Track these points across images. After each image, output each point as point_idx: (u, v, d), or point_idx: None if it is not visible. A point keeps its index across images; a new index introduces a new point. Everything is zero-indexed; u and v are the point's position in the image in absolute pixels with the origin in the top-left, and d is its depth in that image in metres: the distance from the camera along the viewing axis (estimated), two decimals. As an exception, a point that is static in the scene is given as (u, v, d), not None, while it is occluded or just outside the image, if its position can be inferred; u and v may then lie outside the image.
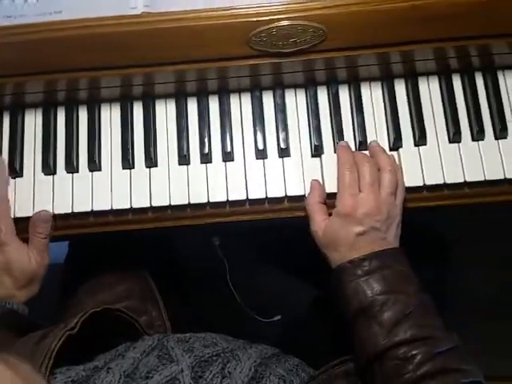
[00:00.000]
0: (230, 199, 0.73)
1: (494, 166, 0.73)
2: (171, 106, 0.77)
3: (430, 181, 0.73)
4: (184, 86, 0.76)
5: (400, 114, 0.76)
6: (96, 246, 0.87)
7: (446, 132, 0.75)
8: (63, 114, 0.77)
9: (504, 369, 1.20)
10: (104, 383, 0.53)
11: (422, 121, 0.75)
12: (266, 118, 0.76)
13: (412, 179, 0.73)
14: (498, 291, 1.25)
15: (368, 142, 0.75)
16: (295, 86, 0.77)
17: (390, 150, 0.75)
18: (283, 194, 0.74)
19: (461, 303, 0.95)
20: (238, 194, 0.74)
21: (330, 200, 0.72)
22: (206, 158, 0.75)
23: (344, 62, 0.73)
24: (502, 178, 0.72)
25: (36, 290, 0.73)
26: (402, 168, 0.73)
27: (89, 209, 0.73)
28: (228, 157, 0.75)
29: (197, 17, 0.66)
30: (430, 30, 0.69)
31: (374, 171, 0.69)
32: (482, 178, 0.72)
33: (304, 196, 0.73)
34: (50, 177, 0.74)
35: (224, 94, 0.77)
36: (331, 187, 0.73)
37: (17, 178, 0.75)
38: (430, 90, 0.76)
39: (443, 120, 0.76)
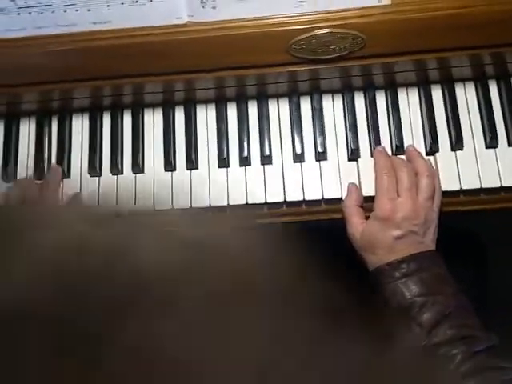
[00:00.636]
0: (268, 201, 0.76)
1: (530, 171, 0.73)
2: (211, 111, 0.80)
3: (467, 185, 0.74)
4: (224, 92, 0.78)
5: (437, 119, 0.77)
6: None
7: (482, 137, 0.76)
8: (109, 118, 0.80)
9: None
10: None
11: (459, 126, 0.76)
12: (303, 122, 0.78)
13: (449, 183, 0.74)
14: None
15: (405, 146, 0.76)
16: (332, 91, 0.79)
17: (427, 154, 0.76)
18: (320, 197, 0.75)
19: (499, 304, 0.95)
20: (276, 197, 0.76)
21: (366, 203, 0.74)
22: (244, 162, 0.77)
23: (381, 68, 0.75)
24: (539, 182, 0.73)
25: None
26: (438, 172, 0.74)
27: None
28: (266, 160, 0.77)
29: (239, 26, 0.68)
30: (466, 37, 0.70)
31: (411, 176, 0.71)
32: (519, 183, 0.73)
33: (341, 199, 0.75)
34: (96, 178, 0.78)
35: (263, 99, 0.79)
36: (368, 190, 0.74)
37: (64, 180, 0.78)
38: (466, 95, 0.77)
39: (480, 125, 0.76)
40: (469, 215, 0.79)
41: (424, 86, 0.78)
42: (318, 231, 0.93)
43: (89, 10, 0.68)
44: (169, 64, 0.72)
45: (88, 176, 0.78)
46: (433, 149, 0.76)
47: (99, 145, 0.79)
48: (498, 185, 0.73)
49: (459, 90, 0.78)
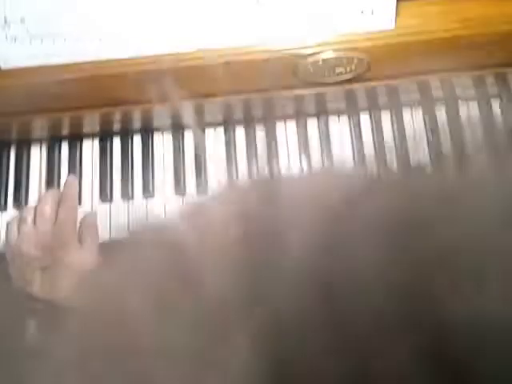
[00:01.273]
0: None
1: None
2: (219, 134, 0.81)
3: None
4: (231, 115, 0.80)
5: (442, 139, 0.78)
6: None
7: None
8: (119, 144, 0.81)
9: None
10: None
11: (463, 144, 0.77)
12: (310, 144, 0.80)
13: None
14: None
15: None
16: (338, 113, 0.80)
17: (433, 173, 0.77)
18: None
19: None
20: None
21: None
22: (253, 184, 0.78)
23: (385, 89, 0.76)
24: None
25: None
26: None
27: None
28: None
29: (244, 52, 0.70)
30: (471, 58, 0.72)
31: None
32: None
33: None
34: (107, 204, 0.79)
35: (270, 122, 0.80)
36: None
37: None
38: (469, 114, 0.79)
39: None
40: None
41: (428, 105, 0.79)
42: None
43: (100, 40, 0.70)
44: (177, 90, 0.73)
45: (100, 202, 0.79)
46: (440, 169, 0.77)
47: (109, 170, 0.80)
48: None
49: (463, 111, 0.79)
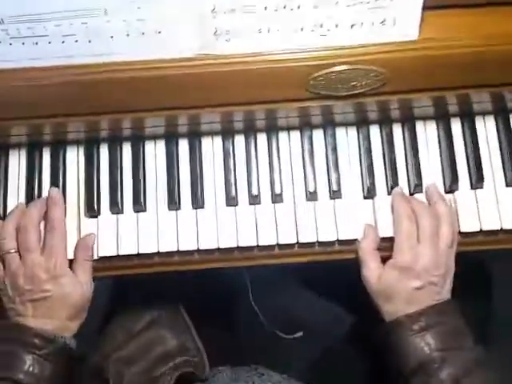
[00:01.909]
0: (279, 242, 0.71)
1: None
2: (218, 144, 0.74)
3: (487, 226, 0.71)
4: (231, 125, 0.73)
5: (456, 155, 0.73)
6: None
7: (502, 175, 0.73)
8: (106, 152, 0.74)
9: None
10: None
11: (480, 162, 0.72)
12: (316, 157, 0.74)
13: (468, 224, 0.71)
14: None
15: (423, 183, 0.72)
16: (346, 125, 0.74)
17: (446, 192, 0.73)
18: (335, 238, 0.71)
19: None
20: (287, 237, 0.71)
21: (382, 242, 0.70)
22: (254, 200, 0.72)
23: (398, 103, 0.71)
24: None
25: (84, 316, 0.70)
26: (457, 212, 0.71)
27: (135, 251, 0.71)
28: (277, 199, 0.72)
29: (254, 61, 0.63)
30: (489, 74, 0.66)
31: (434, 224, 0.67)
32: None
33: (356, 239, 0.71)
34: (95, 219, 0.72)
35: (272, 132, 0.74)
36: (384, 231, 0.71)
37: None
38: (486, 131, 0.74)
39: (500, 162, 0.73)
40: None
41: (443, 121, 0.74)
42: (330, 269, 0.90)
43: (89, 42, 0.62)
44: (175, 98, 0.67)
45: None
46: (452, 187, 0.72)
47: (97, 181, 0.73)
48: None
49: (479, 124, 0.74)
